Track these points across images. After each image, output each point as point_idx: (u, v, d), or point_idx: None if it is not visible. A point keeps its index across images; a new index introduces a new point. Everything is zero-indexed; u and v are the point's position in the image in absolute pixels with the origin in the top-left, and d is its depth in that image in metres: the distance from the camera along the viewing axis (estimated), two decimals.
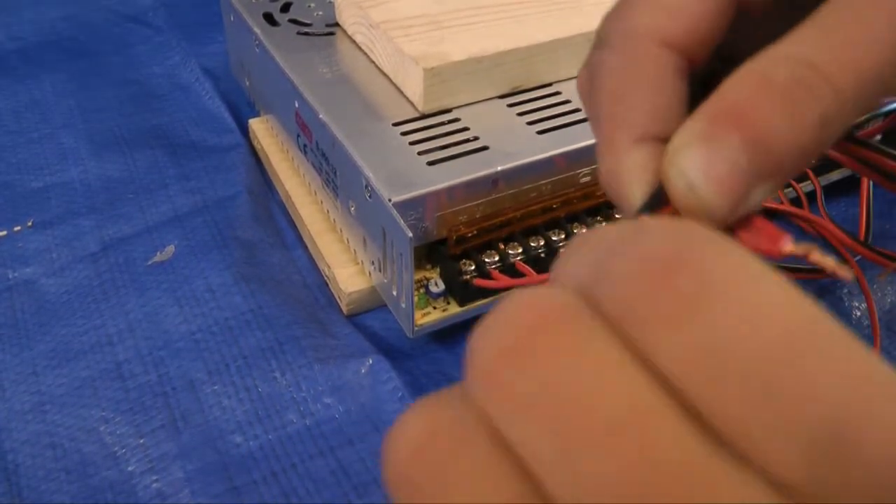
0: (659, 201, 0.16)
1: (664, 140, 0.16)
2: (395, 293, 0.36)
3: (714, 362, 0.11)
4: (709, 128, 0.15)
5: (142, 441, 0.34)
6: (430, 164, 0.35)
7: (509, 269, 0.36)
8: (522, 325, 0.12)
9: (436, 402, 0.13)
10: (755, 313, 0.11)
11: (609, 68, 0.18)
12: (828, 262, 0.15)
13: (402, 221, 0.32)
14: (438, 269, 0.37)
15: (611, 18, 0.18)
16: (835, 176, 0.45)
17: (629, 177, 0.17)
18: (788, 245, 0.15)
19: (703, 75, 0.18)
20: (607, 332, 0.12)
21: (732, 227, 0.16)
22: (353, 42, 0.44)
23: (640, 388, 0.11)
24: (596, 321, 0.12)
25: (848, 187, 0.46)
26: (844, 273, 0.15)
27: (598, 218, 0.38)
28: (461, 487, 0.12)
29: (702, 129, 0.15)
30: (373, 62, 0.42)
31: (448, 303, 0.37)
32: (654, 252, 0.12)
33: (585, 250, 0.14)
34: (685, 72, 0.18)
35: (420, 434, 0.13)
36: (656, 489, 0.10)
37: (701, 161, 0.15)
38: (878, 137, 0.47)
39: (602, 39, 0.18)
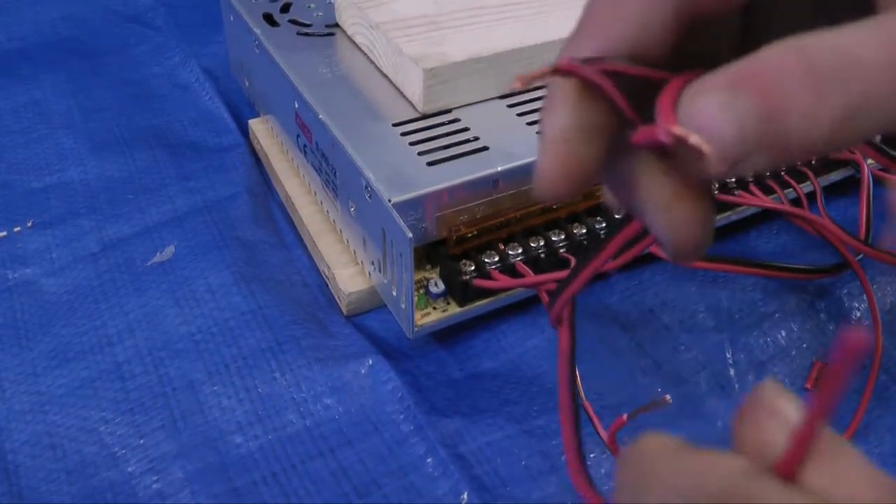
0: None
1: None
2: (394, 293, 0.36)
3: None
4: (732, 81, 0.15)
5: (142, 441, 0.34)
6: (430, 164, 0.35)
7: (509, 270, 0.36)
8: None
9: None
10: None
11: None
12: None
13: (401, 222, 0.32)
14: (438, 269, 0.37)
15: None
16: (834, 176, 0.45)
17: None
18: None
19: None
20: None
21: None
22: (353, 42, 0.44)
23: None
24: None
25: (847, 188, 0.46)
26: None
27: (599, 218, 0.38)
28: None
29: (725, 82, 0.15)
30: (373, 63, 0.42)
31: (448, 303, 0.37)
32: None
33: None
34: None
35: None
36: None
37: (711, 110, 0.15)
38: (878, 138, 0.47)
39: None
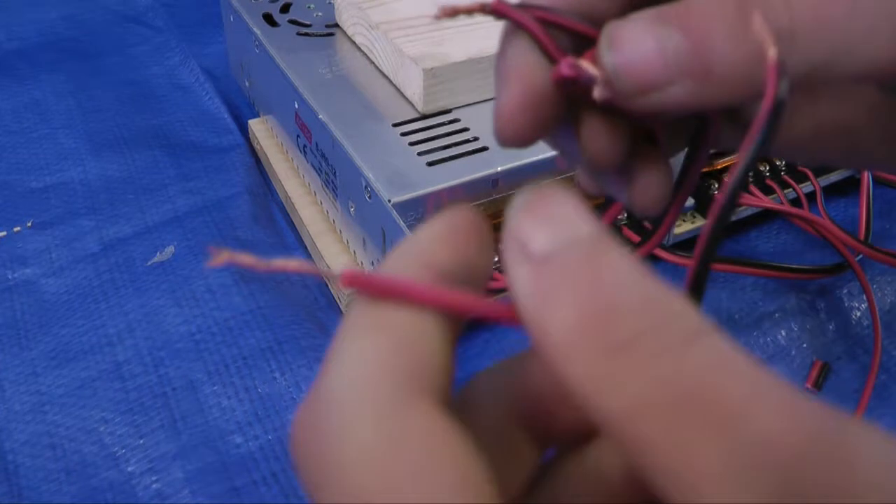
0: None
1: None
2: None
3: None
4: (658, 13, 0.15)
5: (141, 441, 0.34)
6: (430, 164, 0.35)
7: None
8: None
9: None
10: None
11: None
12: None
13: (402, 222, 0.32)
14: None
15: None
16: (834, 177, 0.45)
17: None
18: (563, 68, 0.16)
19: None
20: None
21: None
22: (353, 43, 0.44)
23: None
24: None
25: (847, 188, 0.46)
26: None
27: None
28: None
29: (651, 13, 0.15)
30: (373, 63, 0.42)
31: None
32: None
33: None
34: None
35: None
36: None
37: (633, 33, 0.15)
38: None
39: None
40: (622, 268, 0.12)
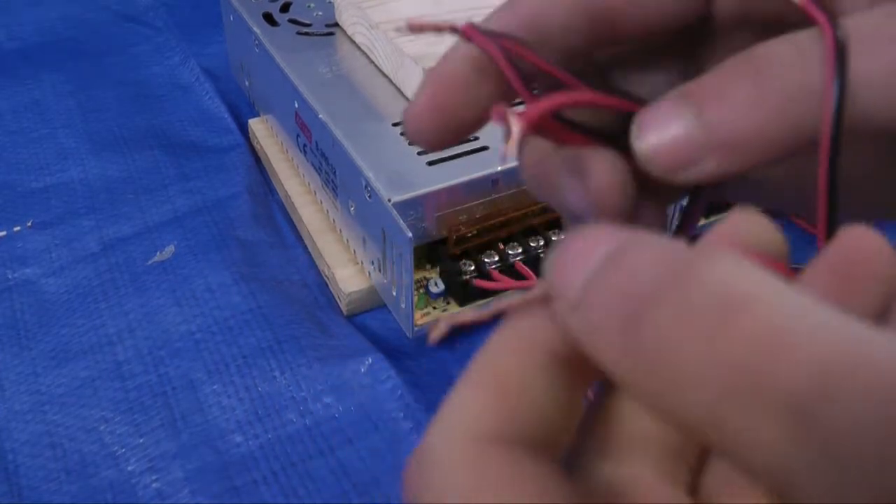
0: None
1: None
2: (394, 293, 0.36)
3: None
4: (681, 92, 0.16)
5: (141, 441, 0.34)
6: (430, 164, 0.35)
7: (509, 270, 0.36)
8: None
9: None
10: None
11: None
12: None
13: (401, 221, 0.32)
14: (438, 269, 0.37)
15: None
16: None
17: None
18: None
19: None
20: None
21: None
22: (353, 42, 0.44)
23: None
24: None
25: None
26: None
27: None
28: None
29: (676, 93, 0.16)
30: (372, 62, 0.42)
31: (448, 303, 0.37)
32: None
33: None
34: None
35: None
36: None
37: (659, 119, 0.16)
38: None
39: None
40: (645, 258, 0.12)
